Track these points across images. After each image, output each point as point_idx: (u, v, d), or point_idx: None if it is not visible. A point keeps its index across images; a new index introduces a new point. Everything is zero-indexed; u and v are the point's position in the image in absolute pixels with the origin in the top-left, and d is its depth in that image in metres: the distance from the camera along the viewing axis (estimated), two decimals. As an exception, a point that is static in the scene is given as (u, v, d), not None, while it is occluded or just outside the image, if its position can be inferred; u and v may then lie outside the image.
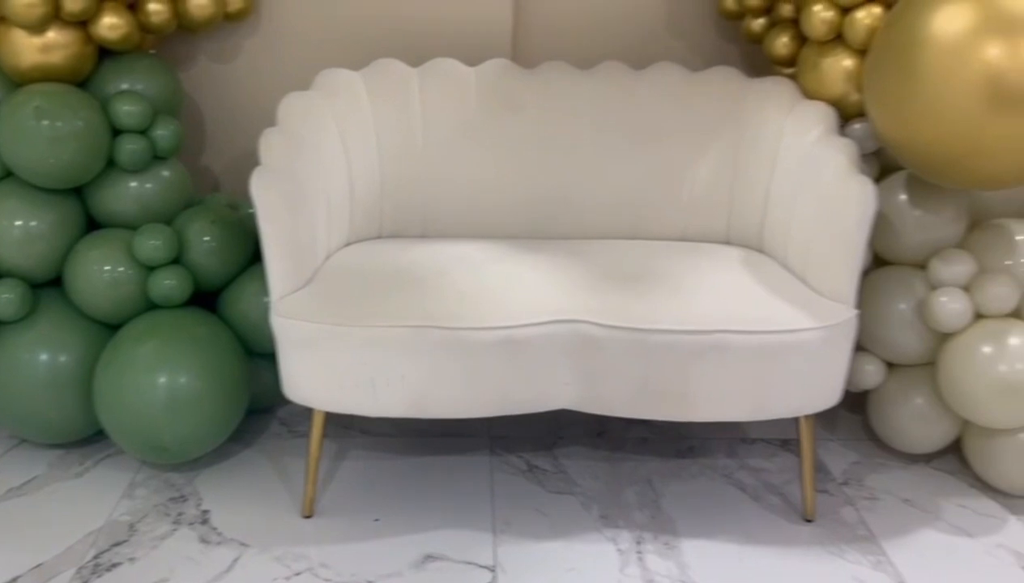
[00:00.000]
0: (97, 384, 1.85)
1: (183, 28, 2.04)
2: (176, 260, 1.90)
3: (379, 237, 2.07)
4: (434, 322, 1.60)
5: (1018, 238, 1.87)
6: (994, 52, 1.54)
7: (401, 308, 1.64)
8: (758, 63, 2.20)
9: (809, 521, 1.81)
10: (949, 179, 1.70)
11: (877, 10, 1.81)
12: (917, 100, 1.63)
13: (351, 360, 1.61)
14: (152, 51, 2.08)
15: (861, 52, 1.86)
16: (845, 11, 1.85)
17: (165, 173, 1.96)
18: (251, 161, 1.80)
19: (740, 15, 2.14)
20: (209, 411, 1.84)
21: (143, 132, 1.91)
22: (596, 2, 2.23)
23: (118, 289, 1.87)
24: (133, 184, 1.93)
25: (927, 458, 2.02)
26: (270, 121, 1.96)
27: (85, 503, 1.83)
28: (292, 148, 1.78)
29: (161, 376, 1.79)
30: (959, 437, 1.94)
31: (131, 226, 1.93)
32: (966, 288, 1.81)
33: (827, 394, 1.71)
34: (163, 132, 1.92)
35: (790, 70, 2.07)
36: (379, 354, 1.60)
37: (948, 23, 1.59)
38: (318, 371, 1.64)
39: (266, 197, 1.64)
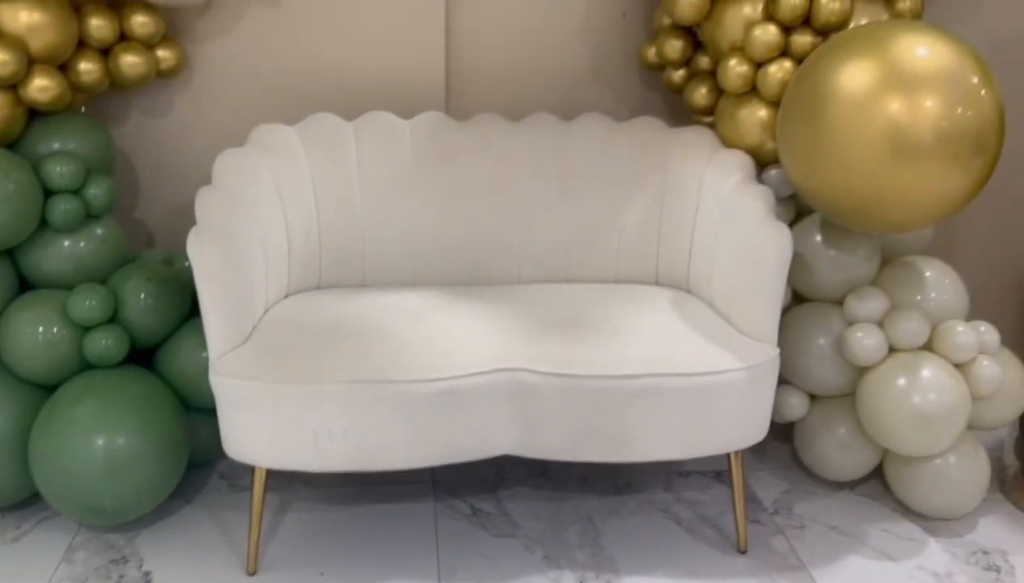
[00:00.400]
0: (33, 446, 1.82)
1: (115, 86, 2.05)
2: (112, 319, 1.89)
3: (318, 287, 2.10)
4: (375, 376, 1.63)
5: (927, 274, 2.00)
6: (895, 107, 1.65)
7: (342, 363, 1.66)
8: (680, 110, 2.30)
9: (743, 552, 1.88)
10: (858, 225, 1.81)
11: (788, 65, 1.93)
12: (826, 151, 1.74)
13: (293, 417, 1.63)
14: (83, 109, 2.08)
15: (775, 104, 1.96)
16: (758, 65, 1.96)
17: (99, 231, 1.96)
18: (185, 215, 1.82)
19: (661, 67, 2.24)
20: (149, 471, 1.83)
21: (76, 192, 1.90)
22: (525, 55, 2.30)
23: (53, 350, 1.85)
24: (67, 243, 1.92)
25: (852, 485, 2.12)
26: (204, 175, 1.98)
27: (23, 569, 1.79)
28: (228, 205, 1.80)
29: (99, 437, 1.78)
30: (881, 463, 2.04)
31: (65, 286, 1.92)
32: (880, 324, 1.92)
33: (755, 430, 1.80)
34: (96, 191, 1.92)
35: (709, 118, 2.17)
36: (321, 411, 1.62)
37: (852, 79, 1.70)
38: (259, 429, 1.65)
39: (203, 257, 1.66)
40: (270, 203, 1.95)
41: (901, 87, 1.66)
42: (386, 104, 2.18)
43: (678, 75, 2.21)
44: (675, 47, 2.15)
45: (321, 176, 2.06)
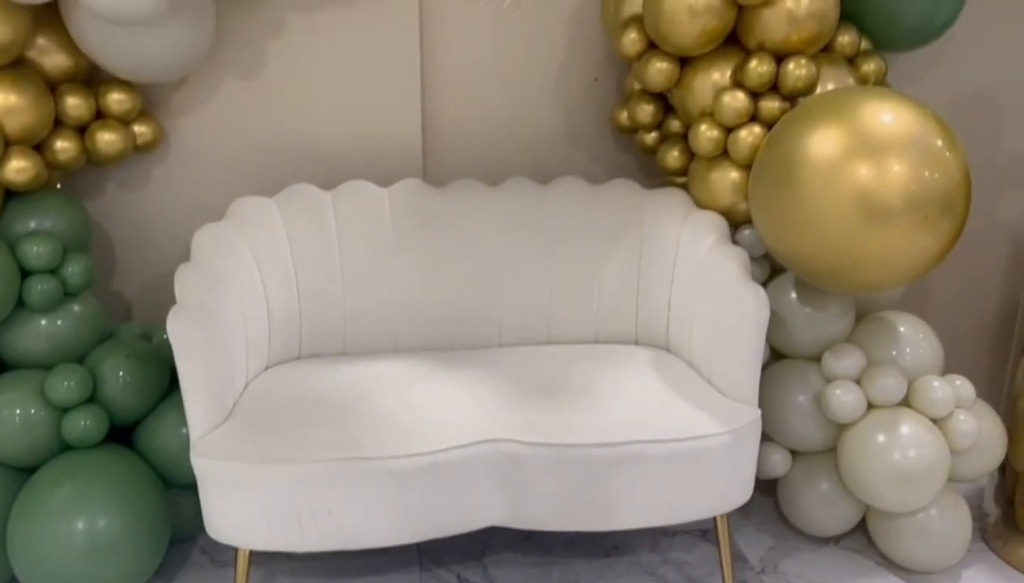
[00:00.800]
0: (11, 531, 1.79)
1: (91, 162, 2.05)
2: (90, 399, 1.87)
3: (298, 358, 2.09)
4: (358, 453, 1.63)
5: (901, 330, 2.03)
6: (863, 172, 1.69)
7: (324, 440, 1.66)
8: (653, 169, 2.34)
9: (732, 614, 1.89)
10: (831, 285, 1.85)
11: (758, 130, 1.97)
12: (797, 216, 1.77)
13: (276, 498, 1.62)
14: (59, 185, 2.08)
15: (746, 166, 2.00)
16: (728, 130, 2.00)
17: (76, 308, 1.95)
18: (163, 287, 1.82)
19: (633, 130, 2.28)
20: (130, 553, 1.80)
21: (53, 271, 1.89)
22: (501, 119, 2.33)
23: (31, 432, 1.83)
24: (44, 323, 1.91)
25: (836, 539, 2.13)
26: (182, 247, 1.98)
27: (-1, 661, 1.75)
28: (207, 283, 1.79)
29: (79, 521, 1.75)
30: (864, 517, 2.06)
31: (43, 365, 1.90)
32: (857, 380, 1.95)
33: (740, 492, 1.81)
34: (74, 269, 1.91)
35: (682, 179, 2.21)
36: (304, 490, 1.61)
37: (821, 145, 1.74)
38: (242, 510, 1.64)
39: (183, 337, 1.65)
40: (249, 277, 1.95)
41: (868, 152, 1.70)
42: (364, 173, 2.20)
43: (650, 137, 2.25)
44: (646, 112, 2.19)
45: (300, 247, 2.07)
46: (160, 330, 2.05)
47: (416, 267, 2.12)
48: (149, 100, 2.15)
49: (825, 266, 1.78)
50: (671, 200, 2.15)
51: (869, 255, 1.72)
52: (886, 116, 1.73)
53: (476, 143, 2.34)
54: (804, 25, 1.92)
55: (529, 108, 2.35)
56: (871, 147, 1.70)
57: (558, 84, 2.36)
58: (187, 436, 1.69)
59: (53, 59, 1.94)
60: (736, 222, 2.08)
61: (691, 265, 2.03)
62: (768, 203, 1.86)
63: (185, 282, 1.77)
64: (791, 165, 1.78)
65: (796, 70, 1.93)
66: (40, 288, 1.86)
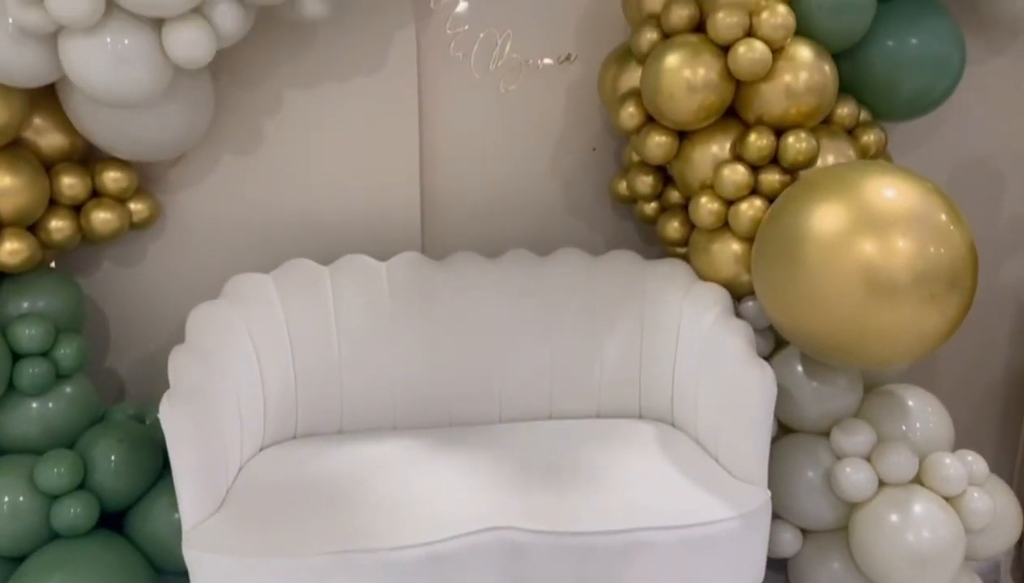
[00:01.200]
0: (-5, 627, 1.73)
1: (86, 241, 2.03)
2: (81, 485, 1.82)
3: (294, 437, 2.05)
4: (357, 545, 1.57)
5: (910, 404, 1.99)
6: (868, 247, 1.66)
7: (321, 531, 1.61)
8: (654, 238, 2.32)
9: None
10: (837, 361, 1.81)
11: (759, 203, 1.95)
12: (802, 292, 1.74)
13: (272, 593, 1.56)
14: (52, 263, 2.06)
15: (748, 239, 1.98)
16: (729, 203, 1.99)
17: (68, 390, 1.91)
18: (157, 364, 1.78)
19: (632, 200, 2.27)
20: (119, 647, 1.74)
21: (45, 353, 1.86)
22: (499, 190, 2.32)
23: (19, 520, 1.78)
24: (35, 405, 1.87)
25: (850, 619, 2.06)
26: (177, 323, 1.95)
27: None
28: (201, 365, 1.76)
29: (67, 614, 1.70)
30: (878, 597, 1.99)
31: (33, 449, 1.86)
32: (868, 457, 1.90)
33: (752, 575, 1.75)
34: (66, 351, 1.88)
35: (683, 250, 2.19)
36: (301, 585, 1.56)
37: (824, 221, 1.72)
38: (237, 606, 1.58)
39: (176, 425, 1.61)
40: (245, 357, 1.92)
41: (873, 228, 1.68)
42: (362, 246, 2.18)
43: (650, 208, 2.24)
44: (645, 183, 2.18)
45: (297, 324, 2.04)
46: (154, 410, 2.01)
47: (415, 342, 2.09)
48: (146, 176, 2.13)
49: (831, 342, 1.75)
50: (672, 272, 2.12)
51: (875, 332, 1.69)
52: (890, 191, 1.71)
53: (475, 215, 2.32)
54: (803, 99, 1.92)
55: (528, 179, 2.35)
56: (875, 223, 1.68)
57: (556, 155, 2.36)
58: (179, 522, 1.64)
59: (49, 139, 1.93)
60: (739, 294, 2.06)
61: (695, 339, 2.00)
62: (771, 278, 1.84)
63: (179, 365, 1.74)
64: (794, 240, 1.76)
65: (796, 144, 1.92)
66: (31, 372, 1.83)
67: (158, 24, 1.66)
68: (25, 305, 1.90)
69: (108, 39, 1.62)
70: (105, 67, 1.63)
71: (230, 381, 1.83)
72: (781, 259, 1.79)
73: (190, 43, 1.65)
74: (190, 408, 1.64)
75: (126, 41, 1.63)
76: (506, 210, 2.34)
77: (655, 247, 2.35)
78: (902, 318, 1.67)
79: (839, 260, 1.69)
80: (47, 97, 1.87)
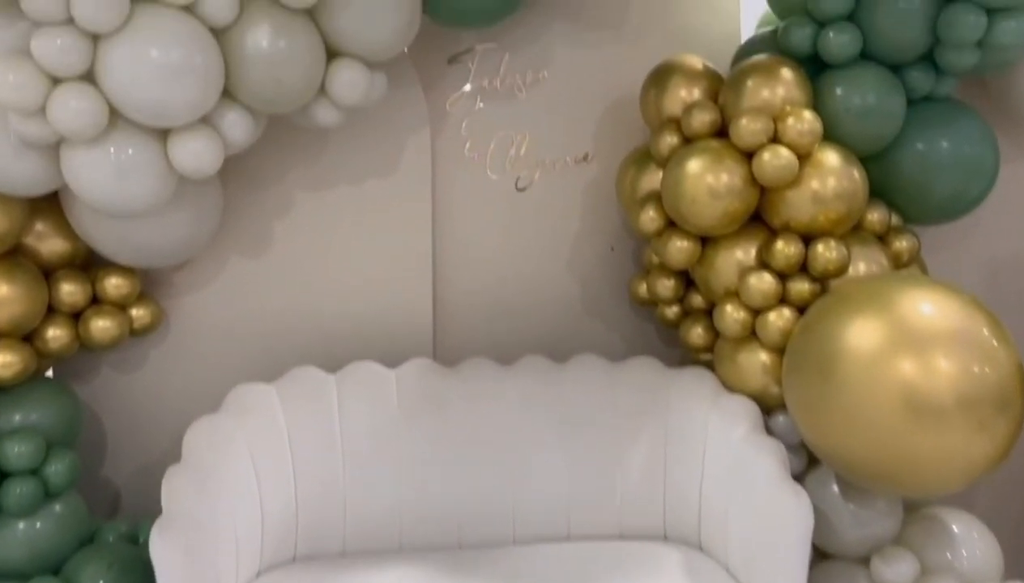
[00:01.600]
0: None
1: (84, 348, 1.95)
2: (66, 616, 1.71)
3: (293, 560, 1.92)
4: None
5: (954, 529, 1.85)
6: (907, 367, 1.56)
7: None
8: (676, 339, 2.22)
9: None
10: (877, 488, 1.69)
11: (788, 313, 1.86)
12: (837, 411, 1.63)
13: None
14: (49, 371, 1.98)
15: (777, 350, 1.88)
16: (756, 312, 1.89)
17: (58, 509, 1.81)
18: (155, 474, 1.69)
19: (653, 302, 2.18)
20: None
21: (35, 471, 1.76)
22: (515, 293, 2.25)
23: (-2, 654, 1.66)
24: (22, 526, 1.76)
25: None
26: (177, 432, 1.85)
27: None
28: (197, 490, 1.66)
29: None
30: None
31: (17, 573, 1.75)
32: (912, 590, 1.76)
33: None
34: (57, 467, 1.78)
35: (707, 355, 2.09)
36: None
37: (860, 337, 1.62)
38: None
39: (166, 555, 1.51)
40: (244, 477, 1.81)
41: (912, 347, 1.57)
42: (371, 352, 2.09)
43: (671, 311, 2.14)
44: (666, 286, 2.09)
45: (300, 437, 1.93)
46: (148, 526, 1.88)
47: (424, 456, 1.98)
48: (150, 279, 2.07)
49: (870, 468, 1.63)
50: (697, 382, 2.01)
51: (918, 459, 1.57)
52: (928, 306, 1.62)
53: (489, 317, 2.24)
54: (831, 206, 1.84)
55: (544, 280, 2.27)
56: (915, 341, 1.58)
57: (573, 255, 2.28)
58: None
59: (50, 244, 1.87)
60: (768, 406, 1.94)
61: (723, 456, 1.88)
62: (805, 396, 1.73)
63: (173, 489, 1.63)
64: (829, 357, 1.66)
65: (826, 252, 1.83)
66: (19, 492, 1.73)
67: (163, 134, 1.61)
68: (17, 418, 1.81)
69: (111, 150, 1.57)
70: (108, 178, 1.58)
71: (227, 503, 1.72)
72: (815, 376, 1.69)
73: (197, 154, 1.60)
74: (181, 538, 1.54)
75: (130, 151, 1.58)
76: (521, 311, 2.26)
77: (676, 350, 2.26)
78: (947, 445, 1.56)
79: (877, 380, 1.59)
80: (49, 202, 1.82)
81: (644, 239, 2.13)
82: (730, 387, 1.98)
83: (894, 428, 1.57)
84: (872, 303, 1.66)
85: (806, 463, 1.95)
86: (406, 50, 2.03)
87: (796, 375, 1.75)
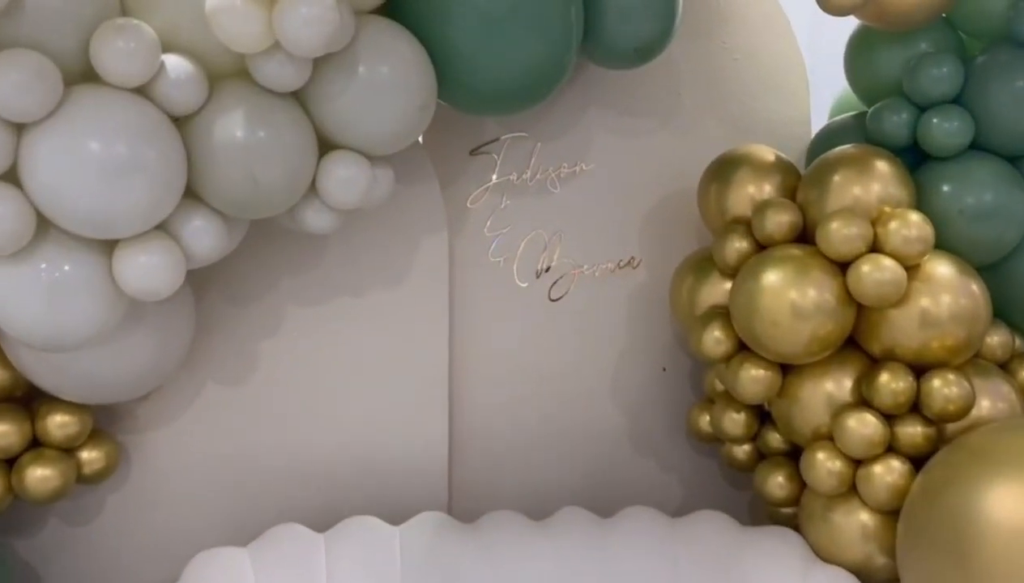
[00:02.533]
0: None
1: (20, 501, 1.59)
2: None
3: None
4: None
5: None
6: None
7: None
8: (747, 481, 1.84)
9: None
10: None
11: (897, 464, 1.47)
12: (984, 607, 1.24)
13: None
14: (-20, 528, 1.61)
15: (886, 511, 1.49)
16: (857, 463, 1.50)
17: None
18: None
19: (718, 439, 1.80)
20: None
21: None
22: (548, 425, 1.89)
23: None
24: None
25: None
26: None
27: None
28: None
29: None
30: None
31: None
32: None
33: None
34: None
35: (790, 509, 1.69)
36: None
37: (1010, 511, 1.24)
38: None
39: None
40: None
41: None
42: (371, 504, 1.72)
43: (742, 452, 1.76)
44: (736, 421, 1.72)
45: (280, 618, 1.54)
46: None
47: (436, 639, 1.58)
48: (107, 411, 1.71)
49: None
50: (780, 547, 1.61)
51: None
52: (1099, 469, 1.23)
53: (517, 457, 1.87)
54: (947, 329, 1.48)
55: (583, 409, 1.91)
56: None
57: (617, 378, 1.93)
58: None
59: (-17, 375, 1.53)
60: (872, 582, 1.53)
61: (817, 649, 1.46)
62: (931, 578, 1.33)
63: None
64: (964, 535, 1.28)
65: (944, 388, 1.46)
66: None
67: (109, 246, 1.27)
68: (-74, 595, 1.44)
69: (41, 267, 1.23)
70: (36, 303, 1.24)
71: None
72: (945, 557, 1.30)
73: (149, 271, 1.26)
74: None
75: (65, 268, 1.24)
76: (555, 448, 1.89)
77: (747, 492, 1.87)
78: None
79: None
80: (-18, 325, 1.49)
81: (706, 364, 1.77)
82: (822, 554, 1.58)
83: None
84: (1019, 462, 1.28)
85: (926, 658, 1.53)
86: (420, 140, 1.73)
87: (918, 551, 1.36)
